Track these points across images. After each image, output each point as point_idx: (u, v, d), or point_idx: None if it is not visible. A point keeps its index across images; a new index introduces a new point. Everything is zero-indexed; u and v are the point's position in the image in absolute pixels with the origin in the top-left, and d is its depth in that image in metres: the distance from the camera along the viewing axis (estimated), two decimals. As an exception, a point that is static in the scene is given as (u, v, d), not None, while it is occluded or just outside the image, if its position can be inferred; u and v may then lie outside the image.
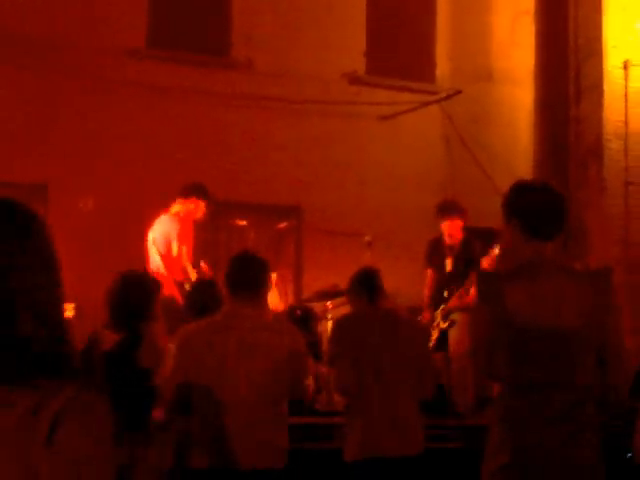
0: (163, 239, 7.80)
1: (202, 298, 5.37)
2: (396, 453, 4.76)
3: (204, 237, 9.27)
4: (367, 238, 8.57)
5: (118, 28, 10.04)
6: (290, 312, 8.29)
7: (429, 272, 8.03)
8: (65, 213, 9.17)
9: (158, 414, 4.23)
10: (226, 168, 10.17)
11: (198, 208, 7.96)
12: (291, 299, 10.13)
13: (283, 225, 9.98)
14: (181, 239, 7.80)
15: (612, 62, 10.59)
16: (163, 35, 10.41)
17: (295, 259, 10.56)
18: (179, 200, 7.94)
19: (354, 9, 11.12)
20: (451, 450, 6.30)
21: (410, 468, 4.82)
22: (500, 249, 6.43)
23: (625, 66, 10.61)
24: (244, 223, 8.84)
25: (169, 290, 7.33)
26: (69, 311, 7.93)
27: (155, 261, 7.75)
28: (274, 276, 9.27)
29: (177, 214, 7.91)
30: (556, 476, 3.21)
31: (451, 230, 7.77)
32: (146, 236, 7.93)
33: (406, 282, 8.77)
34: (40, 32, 9.66)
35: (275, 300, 8.03)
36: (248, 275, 4.01)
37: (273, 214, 10.29)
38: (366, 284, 5.12)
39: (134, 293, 4.54)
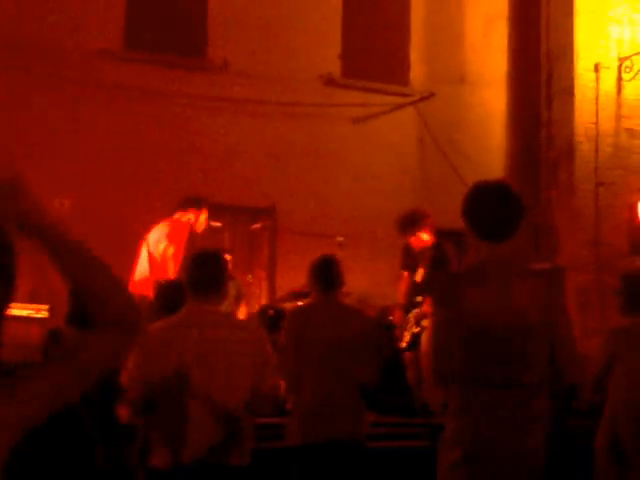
0: (155, 242, 7.90)
1: (172, 297, 5.38)
2: (332, 438, 4.85)
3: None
4: (339, 239, 8.62)
5: (95, 30, 10.04)
6: (262, 312, 8.33)
7: (405, 274, 8.06)
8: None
9: (122, 412, 4.27)
10: (201, 169, 10.19)
11: (197, 220, 8.12)
12: (264, 299, 10.18)
13: (257, 226, 10.06)
14: (171, 239, 7.85)
15: (583, 65, 10.72)
16: (139, 37, 10.43)
17: (269, 260, 10.57)
18: (178, 212, 8.08)
19: (330, 12, 11.17)
20: (418, 448, 6.36)
21: (342, 453, 4.90)
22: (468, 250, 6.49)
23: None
24: (219, 224, 8.86)
25: (147, 291, 7.35)
26: (43, 312, 7.98)
27: (142, 265, 7.80)
28: (249, 277, 9.38)
29: (177, 220, 8.05)
30: (506, 467, 3.31)
31: (417, 243, 7.77)
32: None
33: (377, 283, 8.87)
34: (16, 34, 9.64)
35: (243, 311, 8.08)
36: (206, 273, 4.06)
37: (247, 215, 10.36)
38: (322, 273, 5.09)
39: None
